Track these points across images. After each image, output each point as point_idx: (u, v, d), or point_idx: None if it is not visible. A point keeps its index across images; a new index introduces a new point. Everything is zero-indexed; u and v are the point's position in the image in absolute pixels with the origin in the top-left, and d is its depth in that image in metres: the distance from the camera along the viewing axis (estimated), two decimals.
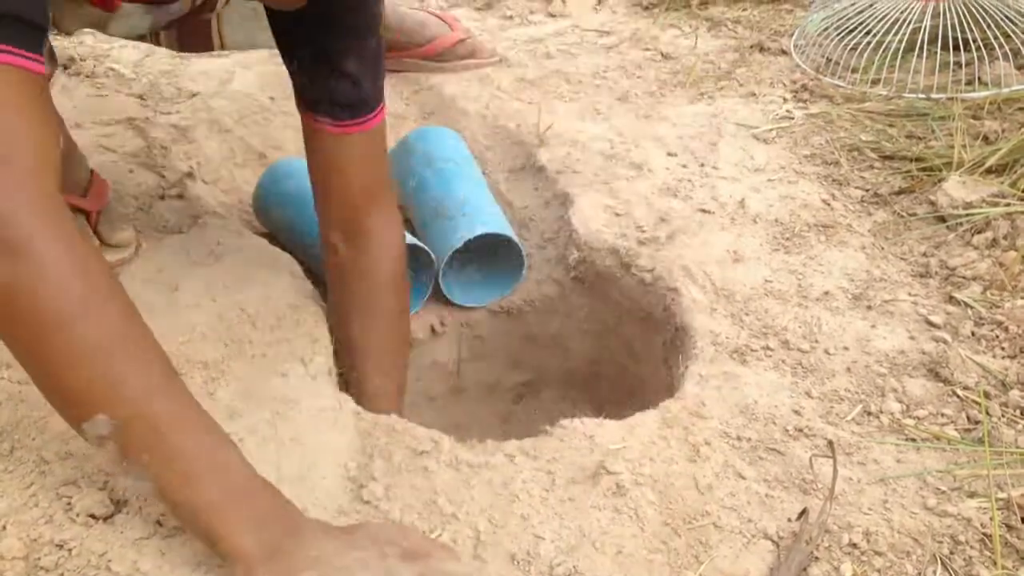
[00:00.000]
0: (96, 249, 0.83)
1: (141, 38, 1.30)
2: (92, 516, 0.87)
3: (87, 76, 1.81)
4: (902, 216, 1.41)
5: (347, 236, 1.21)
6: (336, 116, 1.12)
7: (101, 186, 1.31)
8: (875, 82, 1.80)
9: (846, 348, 1.16)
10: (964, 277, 1.26)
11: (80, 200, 1.26)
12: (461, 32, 1.92)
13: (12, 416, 0.98)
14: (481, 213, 1.46)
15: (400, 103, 1.82)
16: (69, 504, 0.88)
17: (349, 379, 1.22)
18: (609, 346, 1.49)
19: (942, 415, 1.05)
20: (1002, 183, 1.39)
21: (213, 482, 0.80)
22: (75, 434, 0.95)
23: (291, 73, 1.15)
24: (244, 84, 1.79)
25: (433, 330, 1.46)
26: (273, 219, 1.49)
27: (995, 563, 0.86)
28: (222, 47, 1.36)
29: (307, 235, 1.43)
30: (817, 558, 0.88)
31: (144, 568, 0.83)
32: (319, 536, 0.83)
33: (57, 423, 0.97)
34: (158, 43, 1.33)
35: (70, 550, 0.84)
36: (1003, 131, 1.56)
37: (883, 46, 1.82)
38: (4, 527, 0.86)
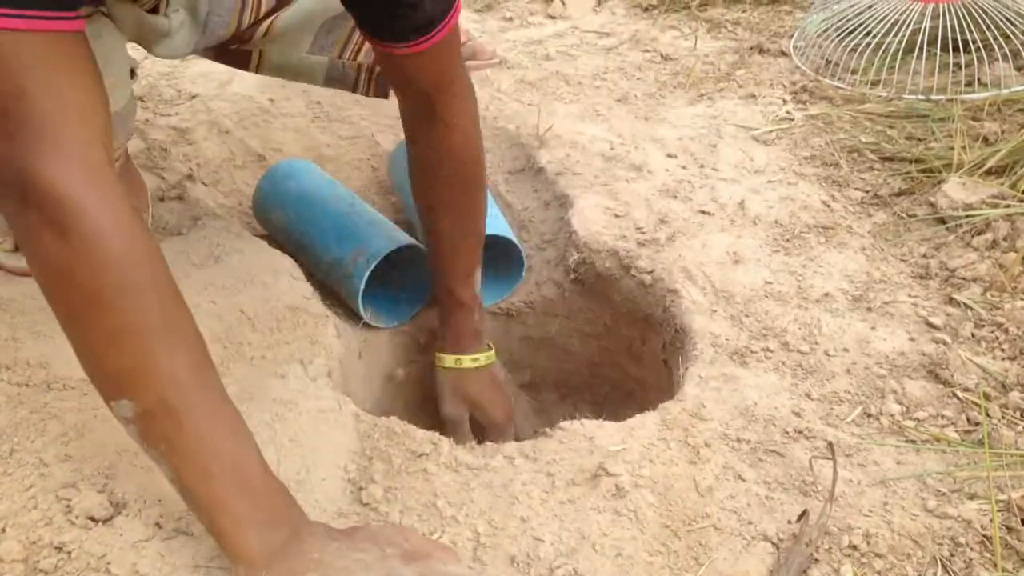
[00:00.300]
0: (145, 228, 0.84)
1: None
2: (91, 518, 0.87)
3: None
4: (902, 217, 1.41)
5: (421, 122, 1.22)
6: (403, 39, 1.09)
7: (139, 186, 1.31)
8: (875, 83, 1.81)
9: (846, 350, 1.16)
10: (964, 278, 1.26)
11: None
12: (463, 35, 1.91)
13: (11, 418, 0.98)
14: None
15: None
16: (68, 506, 0.88)
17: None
18: (609, 348, 1.49)
19: (942, 417, 1.05)
20: (1002, 184, 1.39)
21: (225, 479, 0.80)
22: (74, 436, 0.95)
23: (355, 19, 1.13)
24: (244, 86, 1.79)
25: (433, 332, 1.46)
26: (273, 221, 1.49)
27: (995, 565, 0.86)
28: (257, 72, 1.37)
29: (307, 236, 1.43)
30: (817, 560, 0.88)
31: (143, 571, 0.83)
32: (320, 538, 0.83)
33: (56, 426, 0.97)
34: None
35: (69, 552, 0.84)
36: (1003, 132, 1.56)
37: (883, 47, 1.83)
38: (3, 529, 0.85)
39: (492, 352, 1.36)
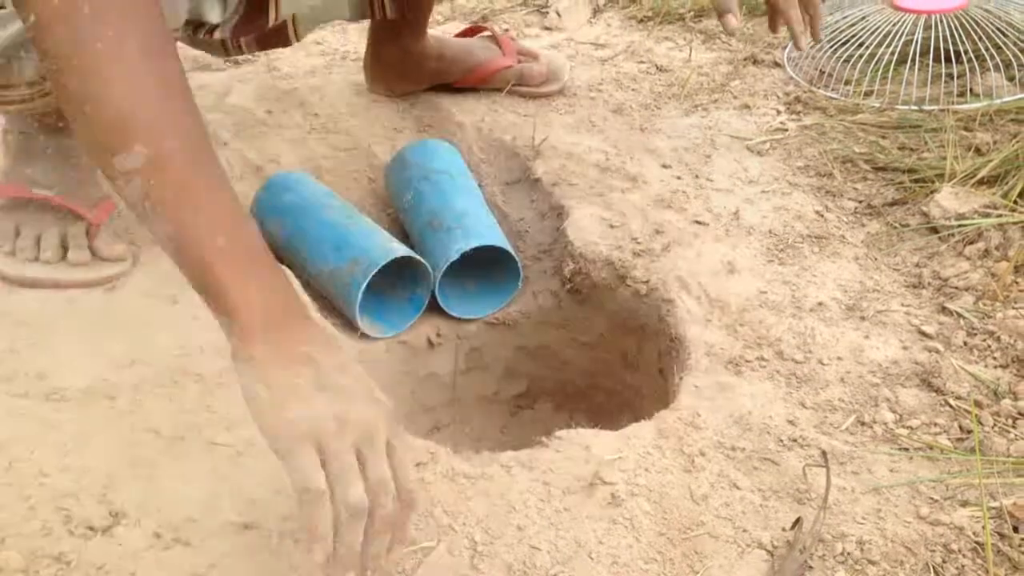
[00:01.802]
0: None
1: (226, 51, 1.38)
2: (91, 528, 0.88)
3: None
4: (895, 227, 1.42)
5: None
6: None
7: (109, 204, 1.33)
8: (868, 94, 1.82)
9: (840, 358, 1.17)
10: (956, 287, 1.27)
11: (86, 210, 1.28)
12: (509, 59, 1.86)
13: (10, 429, 0.98)
14: (478, 225, 1.47)
15: (396, 116, 1.83)
16: (68, 516, 0.89)
17: None
18: (604, 357, 1.50)
19: (935, 424, 1.06)
20: (994, 194, 1.40)
21: (233, 240, 0.78)
22: (73, 447, 0.96)
23: None
24: (241, 98, 1.80)
25: (430, 342, 1.47)
26: (270, 232, 1.49)
27: (987, 572, 0.87)
28: (297, 39, 1.41)
29: (304, 248, 1.44)
30: (811, 567, 0.88)
31: None
32: (316, 334, 0.81)
33: (55, 436, 0.98)
34: (240, 52, 1.40)
35: (68, 563, 0.85)
36: (995, 142, 1.57)
37: (875, 58, 1.84)
38: (3, 539, 0.86)
39: None
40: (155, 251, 1.33)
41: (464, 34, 1.93)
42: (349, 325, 1.40)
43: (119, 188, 0.78)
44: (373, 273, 1.33)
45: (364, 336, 1.39)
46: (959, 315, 1.22)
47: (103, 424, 1.01)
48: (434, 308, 1.46)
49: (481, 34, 1.92)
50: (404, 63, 1.77)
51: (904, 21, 1.87)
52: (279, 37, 1.40)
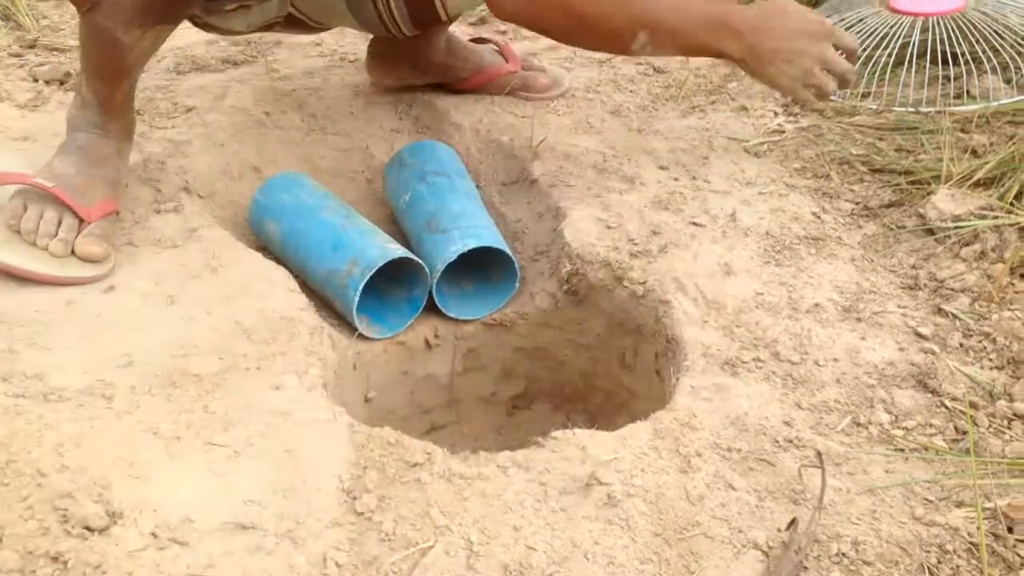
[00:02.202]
0: None
1: (382, 22, 1.57)
2: (88, 528, 0.88)
3: None
4: (891, 229, 1.42)
5: None
6: None
7: (108, 205, 1.33)
8: (865, 96, 1.82)
9: (836, 360, 1.17)
10: (952, 289, 1.27)
11: (79, 205, 1.28)
12: (513, 65, 1.88)
13: (8, 429, 0.98)
14: (475, 226, 1.47)
15: (394, 117, 1.83)
16: (65, 516, 0.89)
17: None
18: (601, 358, 1.50)
19: (930, 426, 1.06)
20: (990, 196, 1.40)
21: (704, 28, 1.42)
22: (71, 447, 0.96)
23: None
24: (239, 99, 1.80)
25: (427, 343, 1.47)
26: (268, 233, 1.50)
27: (982, 572, 0.87)
28: (447, 14, 1.58)
29: (302, 249, 1.44)
30: (806, 568, 0.89)
31: None
32: (750, 18, 1.44)
33: (53, 436, 0.98)
34: (393, 19, 1.57)
35: (65, 563, 0.85)
36: (991, 144, 1.57)
37: (872, 60, 1.84)
38: (0, 539, 0.86)
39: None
40: (153, 252, 1.34)
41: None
42: (347, 325, 1.40)
43: (634, 55, 1.44)
44: (371, 274, 1.34)
45: (362, 337, 1.40)
46: (955, 316, 1.23)
47: (101, 424, 1.01)
48: (432, 309, 1.47)
49: (486, 44, 1.93)
50: (415, 51, 1.76)
51: (901, 23, 1.88)
52: (425, 6, 1.56)
